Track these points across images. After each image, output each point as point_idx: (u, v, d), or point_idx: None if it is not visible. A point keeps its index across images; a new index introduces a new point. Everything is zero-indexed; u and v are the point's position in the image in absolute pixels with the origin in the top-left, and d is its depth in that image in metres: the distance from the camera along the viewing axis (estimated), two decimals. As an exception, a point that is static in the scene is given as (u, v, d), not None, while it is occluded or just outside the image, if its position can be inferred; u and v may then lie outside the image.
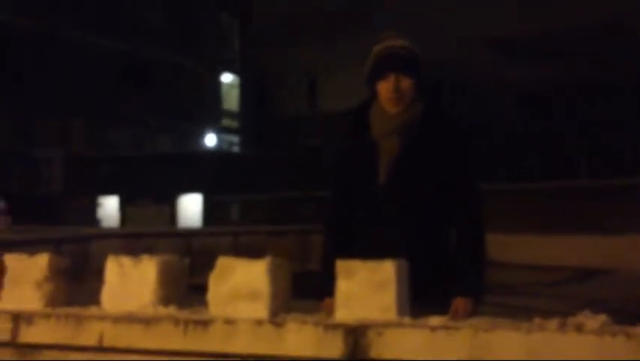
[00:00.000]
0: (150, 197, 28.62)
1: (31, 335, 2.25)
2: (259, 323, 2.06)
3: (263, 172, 27.85)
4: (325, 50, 31.23)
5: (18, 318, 2.28)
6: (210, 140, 34.75)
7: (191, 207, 28.71)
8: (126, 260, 2.30)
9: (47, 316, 2.25)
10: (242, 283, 2.14)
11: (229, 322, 2.08)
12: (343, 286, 2.11)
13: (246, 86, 36.12)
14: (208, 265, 2.32)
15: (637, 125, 26.71)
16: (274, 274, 2.14)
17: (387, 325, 1.99)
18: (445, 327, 1.94)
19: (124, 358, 2.15)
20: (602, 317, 1.91)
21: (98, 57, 30.30)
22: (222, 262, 2.19)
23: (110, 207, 29.30)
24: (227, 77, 36.36)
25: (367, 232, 2.96)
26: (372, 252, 2.38)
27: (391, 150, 2.92)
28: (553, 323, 1.89)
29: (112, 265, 2.31)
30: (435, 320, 1.97)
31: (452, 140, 2.95)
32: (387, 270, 2.07)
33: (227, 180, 27.23)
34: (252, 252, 13.68)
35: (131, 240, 12.70)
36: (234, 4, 35.67)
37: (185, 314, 2.16)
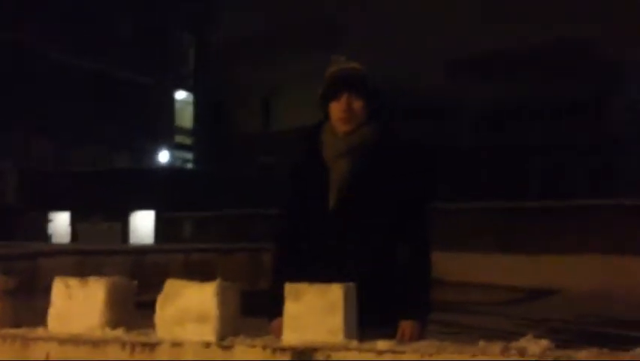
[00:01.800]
0: (102, 213, 28.22)
1: (-25, 355, 2.21)
2: (207, 345, 2.06)
3: (216, 189, 27.71)
4: (279, 70, 31.34)
5: (-38, 338, 2.24)
6: (164, 156, 34.48)
7: (143, 223, 28.39)
8: (73, 281, 2.28)
9: (-8, 337, 2.21)
10: (190, 305, 2.14)
11: (176, 344, 2.08)
12: (291, 308, 2.12)
13: (200, 104, 35.98)
14: (159, 282, 2.32)
15: (591, 145, 27.33)
16: (222, 296, 2.14)
17: (334, 348, 2.01)
18: (392, 351, 1.97)
19: (70, 380, 2.13)
20: (544, 342, 1.96)
21: (56, 71, 29.94)
22: (170, 284, 2.18)
23: (60, 222, 28.81)
24: (181, 94, 36.19)
25: (316, 254, 2.98)
26: (321, 274, 2.48)
27: (341, 174, 2.96)
28: (497, 347, 1.93)
29: (59, 286, 2.28)
30: (382, 344, 2.00)
31: (404, 162, 3.00)
32: (335, 293, 2.10)
33: (180, 197, 27.04)
34: (203, 270, 13.59)
35: (80, 257, 12.49)
36: (190, 22, 35.59)
37: (132, 336, 2.15)
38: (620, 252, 14.27)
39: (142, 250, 14.71)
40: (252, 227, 23.98)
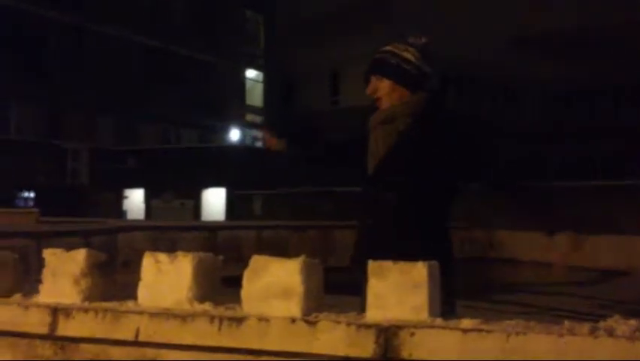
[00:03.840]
0: (174, 191, 28.80)
1: (69, 328, 2.30)
2: (292, 320, 2.10)
3: (285, 167, 27.88)
4: (347, 47, 31.21)
5: (56, 312, 2.33)
6: (234, 135, 34.87)
7: (214, 201, 28.87)
8: (162, 256, 2.34)
9: (85, 310, 2.30)
10: (275, 281, 2.18)
11: (263, 319, 2.12)
12: (375, 285, 2.14)
13: (269, 82, 36.19)
14: (232, 258, 2.37)
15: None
16: (307, 272, 2.17)
17: (419, 325, 2.01)
18: (478, 330, 1.96)
19: (160, 353, 2.20)
20: (634, 322, 1.92)
21: (125, 52, 30.55)
22: (256, 260, 2.22)
23: (135, 200, 29.54)
24: (251, 73, 36.45)
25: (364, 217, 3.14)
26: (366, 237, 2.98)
27: (377, 139, 3.09)
28: (585, 327, 1.90)
29: (148, 260, 2.35)
30: (467, 322, 2.00)
31: (439, 134, 3.02)
32: (419, 271, 2.10)
33: (250, 175, 27.33)
34: (274, 247, 13.74)
35: (155, 232, 12.80)
36: (259, 1, 35.76)
37: (219, 311, 2.21)
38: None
39: (215, 227, 14.96)
40: (322, 205, 24.13)
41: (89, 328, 2.27)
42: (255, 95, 36.73)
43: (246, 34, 35.74)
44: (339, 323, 2.06)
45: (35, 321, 2.33)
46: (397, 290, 2.11)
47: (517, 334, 1.92)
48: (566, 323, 1.94)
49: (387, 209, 3.00)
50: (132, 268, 2.50)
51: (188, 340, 2.17)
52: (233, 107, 35.00)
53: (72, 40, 29.14)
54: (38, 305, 2.37)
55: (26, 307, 2.37)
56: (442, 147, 2.98)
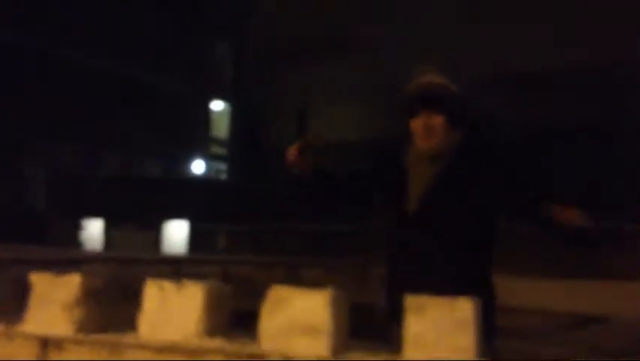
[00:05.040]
0: (135, 221, 28.22)
1: (60, 362, 2.03)
2: (321, 361, 1.86)
3: (251, 202, 27.63)
4: (317, 81, 31.23)
5: (46, 343, 2.06)
6: (199, 166, 34.47)
7: (176, 233, 28.35)
8: (168, 284, 2.09)
9: (79, 342, 2.03)
10: (299, 315, 1.94)
11: (287, 358, 1.87)
12: (413, 323, 1.91)
13: (236, 114, 35.96)
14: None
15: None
16: (336, 307, 1.94)
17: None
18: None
19: (165, 393, 1.93)
20: None
21: (89, 78, 30.11)
22: (276, 291, 1.99)
23: (93, 230, 28.85)
24: (217, 105, 36.23)
25: (396, 256, 2.88)
26: (403, 274, 2.74)
27: (421, 178, 2.87)
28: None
29: (151, 289, 2.10)
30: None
31: (491, 163, 2.85)
32: (464, 307, 1.88)
33: (214, 208, 26.99)
34: (241, 282, 13.40)
35: (118, 265, 12.38)
36: (229, 31, 35.66)
37: (235, 348, 1.95)
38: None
39: (179, 260, 14.56)
40: (287, 242, 23.84)
41: (84, 363, 2.00)
42: (221, 127, 36.45)
43: (214, 64, 35.57)
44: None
45: (22, 353, 2.05)
46: (438, 328, 1.88)
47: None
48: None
49: (434, 248, 2.78)
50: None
51: (198, 379, 1.91)
52: (199, 138, 34.66)
53: (34, 64, 28.64)
54: (25, 336, 2.09)
55: (11, 338, 2.09)
56: (494, 182, 2.79)
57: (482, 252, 2.83)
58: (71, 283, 2.15)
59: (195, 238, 26.84)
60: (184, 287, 2.06)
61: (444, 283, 2.52)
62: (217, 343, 1.98)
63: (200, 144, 34.51)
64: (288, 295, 1.96)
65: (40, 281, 2.18)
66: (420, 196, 2.85)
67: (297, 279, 14.77)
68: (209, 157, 35.11)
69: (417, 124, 2.89)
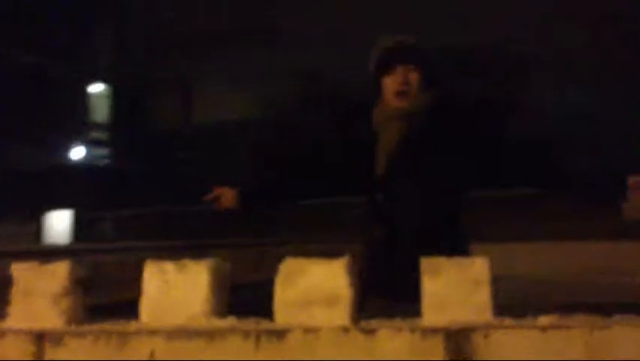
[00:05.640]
0: (14, 213, 26.94)
1: (60, 357, 1.90)
2: (345, 330, 1.83)
3: (136, 186, 27.00)
4: (201, 63, 30.72)
5: (42, 338, 1.92)
6: (78, 152, 33.20)
7: (58, 223, 27.32)
8: (169, 265, 2.00)
9: (81, 334, 1.91)
10: (316, 286, 1.90)
11: (310, 330, 1.84)
12: (430, 285, 1.92)
13: (117, 97, 34.83)
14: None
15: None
16: (352, 274, 1.92)
17: (491, 326, 1.82)
18: (557, 327, 1.80)
19: (181, 378, 1.85)
20: None
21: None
22: (289, 263, 1.94)
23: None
24: (97, 87, 34.91)
25: (367, 224, 2.88)
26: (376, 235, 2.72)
27: (392, 139, 2.83)
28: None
29: (151, 271, 2.00)
30: (544, 320, 1.82)
31: (464, 125, 2.86)
32: (480, 267, 1.91)
33: (97, 195, 26.17)
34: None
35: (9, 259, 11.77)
36: (109, 13, 34.37)
37: (253, 325, 1.90)
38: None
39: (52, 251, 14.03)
40: (176, 225, 23.46)
41: (88, 355, 1.89)
42: (101, 111, 35.19)
43: (93, 47, 34.21)
44: (400, 329, 1.83)
45: (15, 351, 1.91)
46: (457, 289, 1.90)
47: (601, 328, 1.77)
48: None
49: (408, 213, 2.76)
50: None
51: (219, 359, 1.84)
52: (77, 123, 33.34)
53: None
54: (15, 331, 1.95)
55: (1, 334, 1.94)
56: (467, 144, 2.79)
57: (455, 217, 2.85)
58: (59, 273, 2.02)
59: (80, 226, 25.99)
60: (186, 267, 1.98)
61: (416, 249, 2.52)
62: (229, 322, 1.92)
63: (79, 129, 33.20)
64: (302, 266, 1.92)
65: (23, 272, 2.04)
66: (391, 158, 2.80)
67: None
68: (89, 142, 33.86)
69: (393, 80, 2.80)
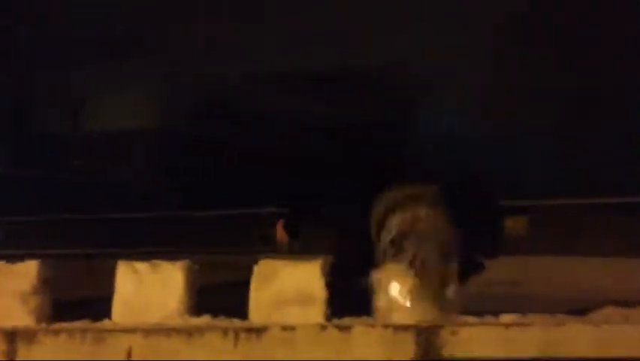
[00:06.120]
0: None
1: (33, 355, 1.89)
2: (322, 327, 1.92)
3: (21, 193, 25.88)
4: (95, 71, 29.94)
5: (14, 336, 1.91)
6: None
7: None
8: (141, 265, 2.03)
9: (55, 332, 1.90)
10: (291, 286, 1.98)
11: (287, 328, 1.91)
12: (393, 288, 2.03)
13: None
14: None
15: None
16: (325, 275, 2.00)
17: (459, 324, 1.95)
18: (518, 324, 1.94)
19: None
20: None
21: None
22: (264, 264, 2.01)
23: None
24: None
25: None
26: None
27: None
28: (617, 314, 1.97)
29: (124, 271, 2.02)
30: (508, 318, 1.97)
31: None
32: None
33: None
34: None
35: None
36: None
37: (225, 323, 1.95)
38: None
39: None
40: (64, 233, 22.64)
41: (63, 352, 1.88)
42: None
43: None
44: (373, 326, 1.92)
45: (-15, 349, 1.88)
46: (417, 292, 2.02)
47: (558, 325, 1.93)
48: (600, 311, 2.00)
49: None
50: None
51: (198, 357, 1.88)
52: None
53: None
54: (-16, 331, 1.92)
55: (-33, 335, 1.90)
56: None
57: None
58: (28, 272, 2.00)
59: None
60: (160, 267, 2.01)
61: None
62: (205, 320, 1.96)
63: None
64: (276, 267, 1.99)
65: (-11, 272, 2.01)
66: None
67: (91, 271, 14.16)
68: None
69: None
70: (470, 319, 1.98)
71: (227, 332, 1.90)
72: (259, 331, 1.90)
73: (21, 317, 1.96)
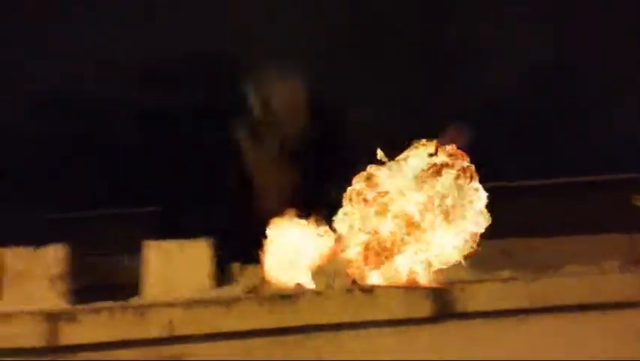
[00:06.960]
0: None
1: (75, 334, 1.94)
2: (349, 291, 2.08)
3: None
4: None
5: (54, 317, 1.95)
6: None
7: None
8: (169, 244, 2.12)
9: (96, 311, 1.96)
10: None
11: (317, 293, 2.06)
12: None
13: None
14: None
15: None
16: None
17: (465, 281, 2.16)
18: (513, 278, 2.18)
19: (200, 344, 1.98)
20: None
21: None
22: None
23: None
24: None
25: None
26: None
27: None
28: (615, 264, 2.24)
29: (152, 250, 2.11)
30: (506, 273, 2.20)
31: None
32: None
33: None
34: None
35: None
36: None
37: (263, 292, 2.08)
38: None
39: None
40: None
41: (105, 329, 1.95)
42: None
43: None
44: (394, 288, 2.11)
45: (27, 331, 1.92)
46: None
47: (550, 277, 2.19)
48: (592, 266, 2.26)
49: None
50: None
51: (236, 325, 2.00)
52: None
53: None
54: (23, 313, 1.95)
55: (8, 316, 1.93)
56: None
57: None
58: (56, 256, 2.05)
59: None
60: (187, 245, 2.11)
61: None
62: (237, 291, 2.08)
63: None
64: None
65: (16, 258, 2.04)
66: None
67: None
68: None
69: None
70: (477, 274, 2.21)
71: (263, 302, 2.02)
72: (292, 298, 2.03)
73: (51, 300, 2.00)
